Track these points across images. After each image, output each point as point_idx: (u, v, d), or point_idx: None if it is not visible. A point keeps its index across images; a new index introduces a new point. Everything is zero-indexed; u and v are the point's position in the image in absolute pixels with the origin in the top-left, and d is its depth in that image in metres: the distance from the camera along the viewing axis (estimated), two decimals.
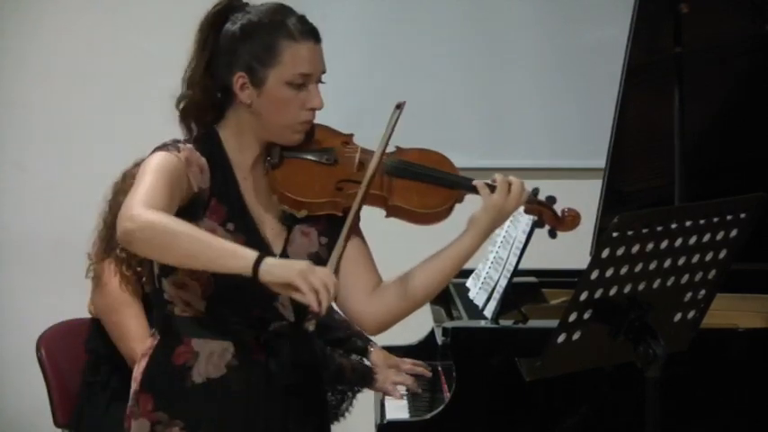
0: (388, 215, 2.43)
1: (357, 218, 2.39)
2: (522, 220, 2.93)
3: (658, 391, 2.23)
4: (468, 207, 2.46)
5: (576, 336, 2.24)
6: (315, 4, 4.68)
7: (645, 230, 2.18)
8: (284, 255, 2.39)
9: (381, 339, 3.51)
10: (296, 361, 2.42)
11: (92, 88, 4.78)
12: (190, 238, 2.19)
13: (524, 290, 3.27)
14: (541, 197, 2.45)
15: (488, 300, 3.01)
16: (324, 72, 2.39)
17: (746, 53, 3.32)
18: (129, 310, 3.54)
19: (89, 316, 3.85)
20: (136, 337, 3.51)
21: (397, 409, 3.04)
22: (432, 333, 3.41)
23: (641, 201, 3.43)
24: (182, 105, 2.45)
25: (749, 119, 3.40)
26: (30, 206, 4.82)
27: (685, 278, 2.29)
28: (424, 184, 2.42)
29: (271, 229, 2.42)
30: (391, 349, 3.44)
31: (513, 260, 2.93)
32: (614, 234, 2.15)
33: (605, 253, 2.17)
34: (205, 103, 2.41)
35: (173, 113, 4.69)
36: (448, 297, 3.38)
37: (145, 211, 2.19)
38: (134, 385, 2.44)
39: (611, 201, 3.37)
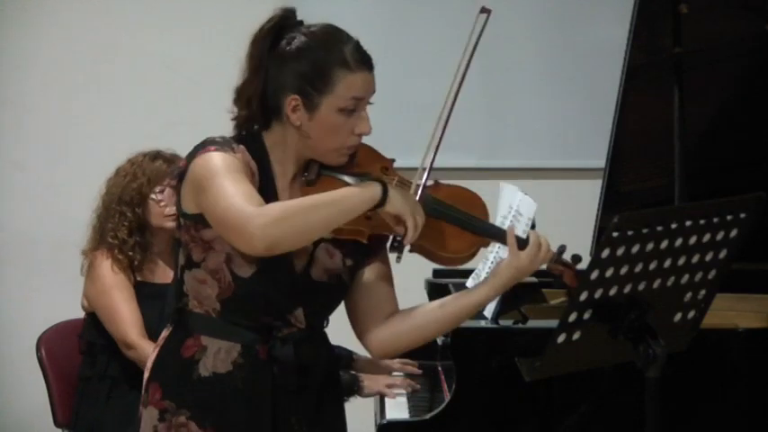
0: (411, 251, 2.42)
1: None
2: (522, 221, 2.93)
3: (658, 391, 2.23)
4: None
5: (576, 336, 2.24)
6: (315, 4, 4.70)
7: (645, 230, 2.18)
8: (306, 272, 2.41)
9: None
10: (302, 366, 2.42)
11: (92, 88, 4.78)
12: (315, 207, 2.26)
13: (524, 290, 3.27)
14: (566, 256, 2.44)
15: None
16: (374, 93, 2.41)
17: (746, 53, 3.32)
18: (121, 293, 3.55)
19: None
20: (127, 320, 3.52)
21: (397, 409, 3.04)
22: None
23: (641, 201, 3.43)
24: (236, 123, 2.44)
25: (749, 119, 3.40)
26: (29, 206, 4.82)
27: (685, 278, 2.29)
28: (453, 226, 2.42)
29: None
30: None
31: None
32: (614, 234, 2.15)
33: (605, 253, 2.16)
34: (256, 117, 2.41)
35: (173, 114, 4.71)
36: None
37: (260, 215, 2.22)
38: (146, 374, 2.48)
39: (611, 201, 3.37)
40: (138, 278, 3.60)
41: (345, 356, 3.20)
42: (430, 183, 2.45)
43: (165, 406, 2.41)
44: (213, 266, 2.36)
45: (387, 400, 3.12)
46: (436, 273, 3.53)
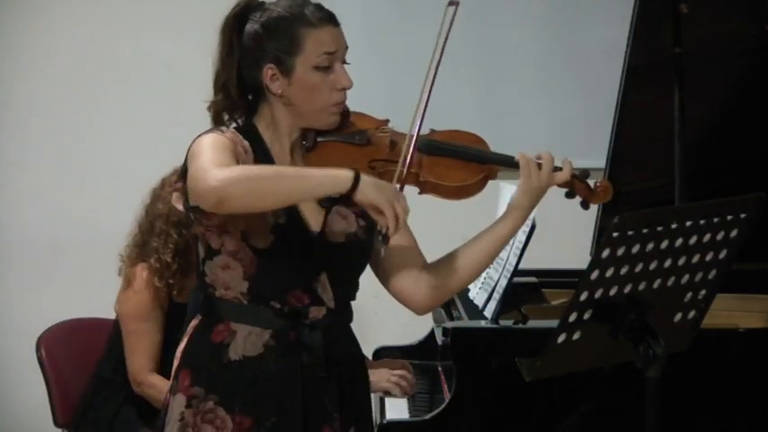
0: (421, 192, 2.48)
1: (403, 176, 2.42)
2: None
3: (658, 391, 2.23)
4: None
5: (576, 336, 2.24)
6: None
7: (645, 230, 2.18)
8: (322, 235, 2.45)
9: (381, 339, 3.53)
10: (329, 354, 2.44)
11: (92, 89, 4.78)
12: (280, 177, 2.27)
13: (524, 290, 3.28)
14: (575, 172, 2.50)
15: (488, 300, 3.01)
16: (347, 49, 2.46)
17: (746, 53, 3.32)
18: (148, 325, 3.56)
19: (89, 316, 3.87)
20: (145, 353, 3.53)
21: (397, 409, 3.04)
22: (432, 333, 3.41)
23: (641, 201, 3.43)
24: (213, 110, 2.49)
25: (749, 119, 3.40)
26: (29, 206, 4.82)
27: (685, 278, 2.29)
28: (454, 159, 2.48)
29: (310, 210, 2.46)
30: (391, 349, 3.44)
31: (513, 260, 2.93)
32: (614, 234, 2.15)
33: (605, 253, 2.17)
34: (236, 104, 2.47)
35: (172, 114, 4.69)
36: None
37: (221, 169, 2.24)
38: (175, 362, 2.49)
39: (611, 201, 3.36)
40: (176, 300, 3.58)
41: None
42: (425, 132, 2.49)
43: (194, 392, 2.43)
44: (232, 248, 2.40)
45: (387, 399, 3.12)
46: None
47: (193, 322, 2.50)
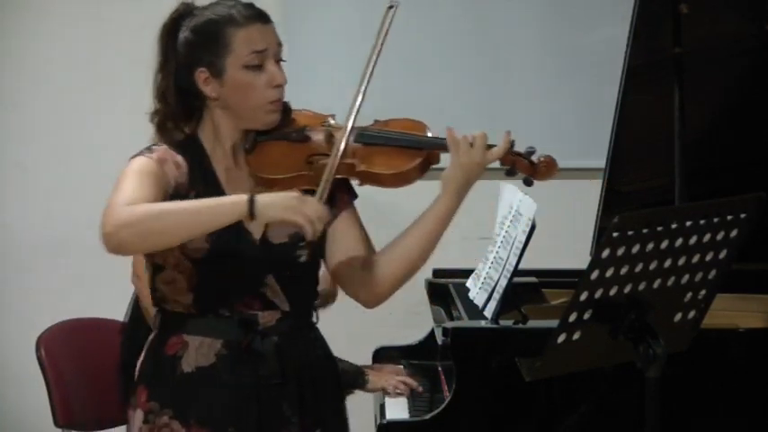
0: (361, 183, 2.47)
1: (331, 185, 2.39)
2: (522, 220, 2.93)
3: (658, 391, 2.23)
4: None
5: (576, 336, 2.24)
6: (316, 4, 4.71)
7: (645, 230, 2.18)
8: (264, 238, 2.43)
9: (381, 340, 3.53)
10: (290, 359, 2.42)
11: (92, 88, 4.78)
12: (176, 213, 2.26)
13: (524, 290, 3.28)
14: (520, 149, 2.46)
15: (488, 300, 3.01)
16: (280, 46, 2.44)
17: (746, 53, 3.32)
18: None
19: (89, 316, 3.85)
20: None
21: (397, 409, 3.04)
22: (432, 333, 3.41)
23: (641, 201, 3.43)
24: (156, 120, 2.50)
25: (749, 119, 3.40)
26: (30, 206, 4.82)
27: (685, 278, 2.29)
28: (389, 147, 2.46)
29: None
30: (391, 349, 3.44)
31: (513, 260, 2.93)
32: (614, 234, 2.15)
33: (605, 253, 2.16)
34: (177, 112, 2.47)
35: None
36: (448, 297, 3.39)
37: (120, 210, 2.25)
38: (135, 378, 2.49)
39: (611, 201, 3.37)
40: None
41: (353, 372, 3.18)
42: (369, 123, 2.49)
43: (150, 407, 2.43)
44: (174, 261, 2.40)
45: (387, 399, 3.12)
46: (436, 273, 3.53)
47: (150, 337, 2.50)
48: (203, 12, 2.45)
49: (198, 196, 2.38)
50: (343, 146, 2.40)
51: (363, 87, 2.45)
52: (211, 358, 2.41)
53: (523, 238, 2.89)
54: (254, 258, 2.41)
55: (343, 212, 2.50)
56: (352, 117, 2.43)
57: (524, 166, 2.45)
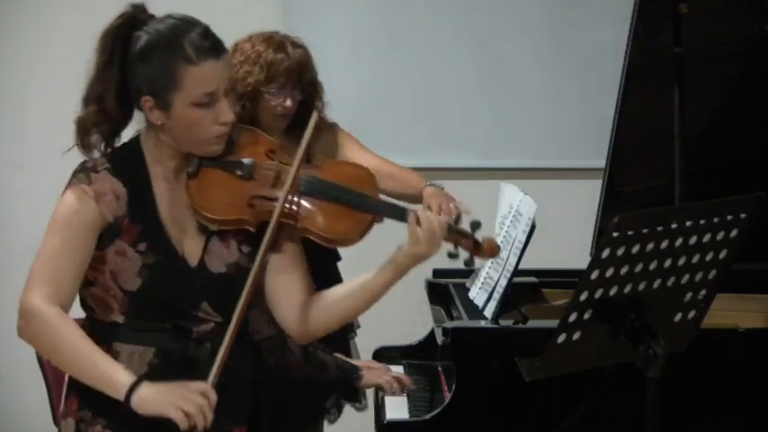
0: (299, 235, 2.41)
1: (273, 239, 2.34)
2: (522, 221, 2.93)
3: (658, 391, 2.23)
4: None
5: (576, 336, 2.24)
6: (316, 5, 4.70)
7: (645, 230, 2.18)
8: (202, 265, 2.38)
9: (381, 340, 3.52)
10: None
11: None
12: (70, 357, 2.30)
13: (524, 290, 3.28)
14: (465, 226, 2.40)
15: (488, 300, 3.01)
16: (230, 79, 2.37)
17: (746, 53, 3.32)
18: None
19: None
20: None
21: (397, 409, 3.04)
22: (432, 333, 3.41)
23: (641, 201, 3.43)
24: (81, 125, 2.48)
25: (749, 119, 3.40)
26: (29, 206, 4.81)
27: (685, 278, 2.29)
28: (335, 205, 2.37)
29: (192, 238, 2.40)
30: (391, 349, 3.44)
31: (513, 260, 2.93)
32: (614, 234, 2.15)
33: (605, 253, 2.17)
34: (112, 117, 2.41)
35: None
36: (448, 297, 3.38)
37: (39, 307, 2.33)
38: (65, 387, 2.47)
39: (611, 201, 3.37)
40: None
41: (347, 368, 3.17)
42: (317, 163, 2.43)
43: (82, 416, 2.40)
44: (103, 284, 2.36)
45: (387, 399, 3.12)
46: (436, 273, 3.53)
47: None
48: (156, 30, 2.33)
49: (132, 225, 2.34)
50: (277, 215, 2.31)
51: (302, 154, 2.36)
52: (143, 368, 2.35)
53: (523, 239, 2.89)
54: (190, 288, 2.37)
55: (282, 245, 2.42)
56: (290, 180, 2.33)
57: (468, 245, 2.40)
